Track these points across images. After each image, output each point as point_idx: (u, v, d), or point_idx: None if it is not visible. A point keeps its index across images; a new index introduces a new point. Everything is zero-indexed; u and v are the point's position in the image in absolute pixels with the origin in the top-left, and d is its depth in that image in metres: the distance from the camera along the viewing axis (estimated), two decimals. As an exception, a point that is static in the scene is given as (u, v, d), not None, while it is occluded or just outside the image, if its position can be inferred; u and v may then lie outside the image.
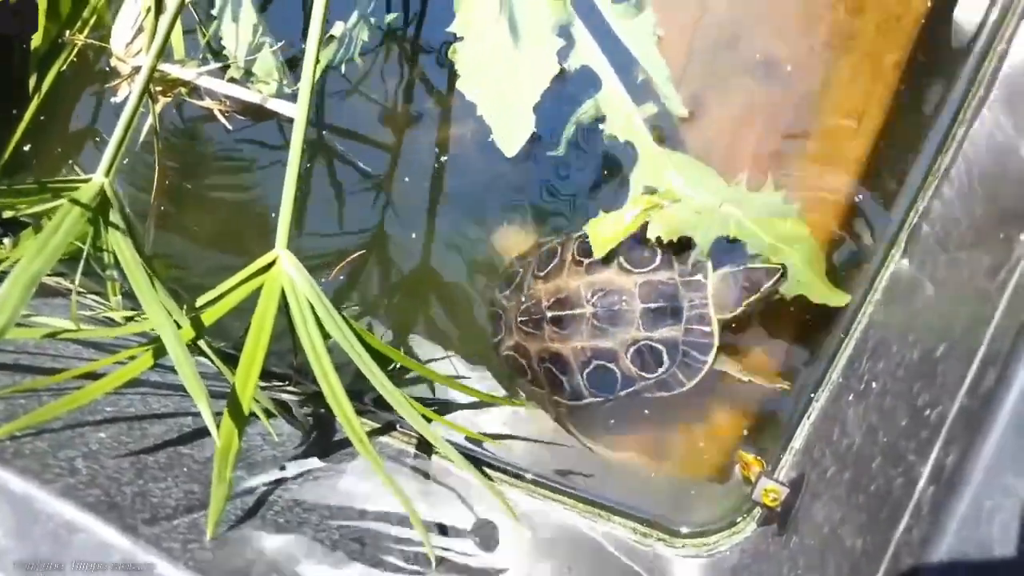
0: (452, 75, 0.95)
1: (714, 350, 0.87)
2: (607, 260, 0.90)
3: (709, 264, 0.88)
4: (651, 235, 0.87)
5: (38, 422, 0.63)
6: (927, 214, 0.79)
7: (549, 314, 0.90)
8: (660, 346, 0.87)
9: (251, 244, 1.07)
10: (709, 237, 0.88)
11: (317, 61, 0.96)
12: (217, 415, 0.65)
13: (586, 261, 0.90)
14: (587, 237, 0.90)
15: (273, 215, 0.96)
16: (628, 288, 0.87)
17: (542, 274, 0.93)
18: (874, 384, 0.67)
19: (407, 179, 1.06)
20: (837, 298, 0.85)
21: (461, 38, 0.93)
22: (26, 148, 1.13)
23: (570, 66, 0.92)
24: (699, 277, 0.87)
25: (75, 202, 0.71)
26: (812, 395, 0.87)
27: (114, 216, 0.75)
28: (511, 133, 0.92)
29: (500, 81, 0.92)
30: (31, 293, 0.60)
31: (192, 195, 1.10)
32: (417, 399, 0.98)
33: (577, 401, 0.93)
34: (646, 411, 0.95)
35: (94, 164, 0.77)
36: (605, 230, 0.89)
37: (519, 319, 0.93)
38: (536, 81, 0.91)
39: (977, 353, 0.47)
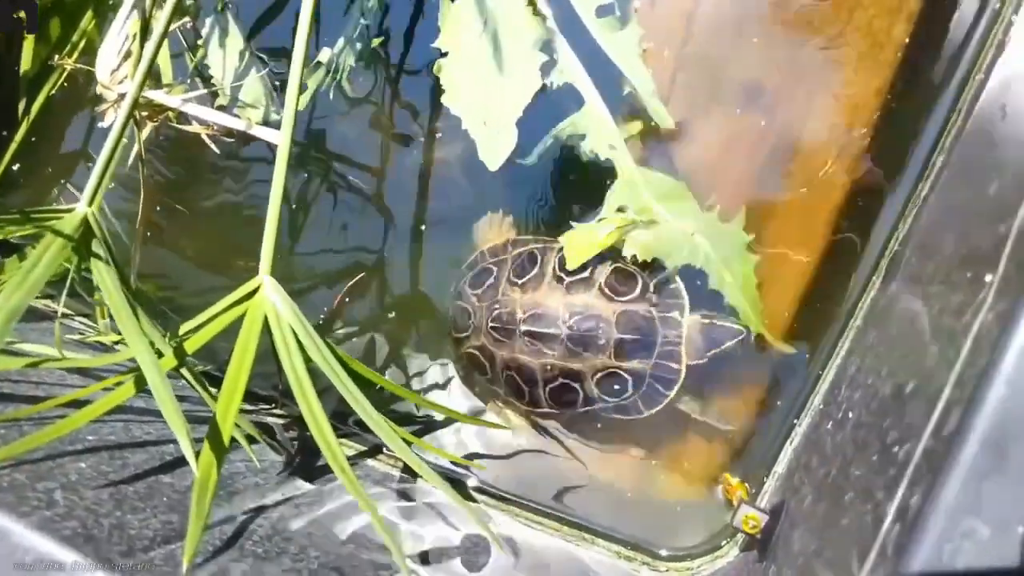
0: (439, 91, 0.95)
1: (677, 386, 0.89)
2: (588, 282, 0.90)
3: (687, 302, 0.90)
4: (627, 253, 0.89)
5: (17, 454, 0.63)
6: (906, 242, 0.79)
7: (523, 327, 0.91)
8: (627, 376, 0.89)
9: (241, 262, 1.08)
10: (678, 263, 0.90)
11: (304, 89, 0.98)
12: (199, 441, 0.65)
13: (567, 280, 0.91)
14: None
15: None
16: (607, 315, 0.88)
17: (520, 282, 0.94)
18: (851, 414, 0.67)
19: (396, 198, 1.06)
20: (785, 348, 0.90)
21: (446, 54, 0.94)
22: (15, 168, 1.13)
23: (553, 83, 0.93)
24: (675, 314, 0.89)
25: (58, 233, 0.71)
26: (795, 420, 0.87)
27: (97, 246, 0.75)
28: (495, 147, 0.92)
29: (484, 96, 0.93)
30: (12, 326, 0.61)
31: (182, 215, 1.11)
32: (403, 416, 0.99)
33: (533, 409, 0.95)
34: (632, 432, 0.95)
35: (84, 183, 0.77)
36: (579, 241, 0.90)
37: (490, 324, 0.94)
38: (519, 96, 0.92)
39: (942, 394, 0.48)
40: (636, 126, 0.94)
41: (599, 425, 0.96)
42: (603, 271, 0.91)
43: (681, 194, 0.91)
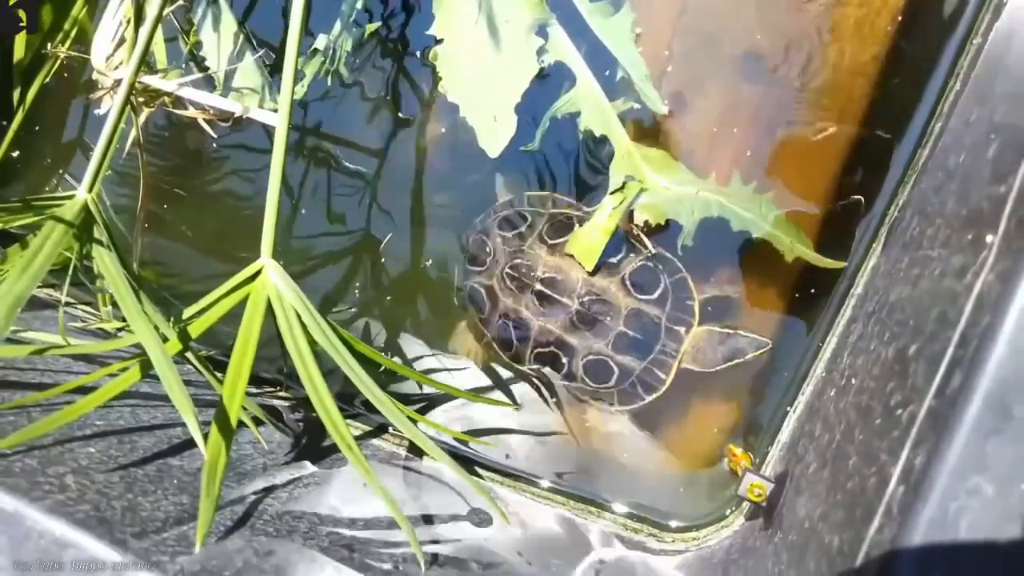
0: (435, 77, 0.95)
1: (657, 394, 0.91)
2: (614, 269, 0.92)
3: (695, 321, 0.91)
4: (638, 220, 0.90)
5: (28, 439, 0.64)
6: (906, 208, 0.80)
7: (538, 287, 0.92)
8: (615, 368, 0.91)
9: (243, 246, 1.08)
10: (695, 218, 0.89)
11: (301, 76, 0.97)
12: (206, 424, 0.66)
13: None
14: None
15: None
16: (619, 307, 0.90)
17: (550, 242, 0.94)
18: (853, 380, 0.68)
19: (396, 182, 1.06)
20: (831, 263, 0.88)
21: (441, 40, 0.94)
22: (15, 154, 1.13)
23: (544, 62, 0.93)
24: (681, 330, 0.90)
25: (59, 219, 0.71)
26: (799, 389, 0.88)
27: (98, 232, 0.75)
28: (494, 134, 0.93)
29: (481, 82, 0.93)
30: (16, 313, 0.61)
31: (182, 200, 1.11)
32: (407, 395, 1.00)
33: (513, 363, 0.97)
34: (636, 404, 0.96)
35: (82, 172, 0.77)
36: (585, 242, 0.91)
37: (507, 269, 0.95)
38: (517, 81, 0.92)
39: (945, 355, 0.48)
40: (626, 103, 0.94)
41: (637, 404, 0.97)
42: (631, 263, 0.92)
43: (675, 165, 0.91)
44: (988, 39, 0.78)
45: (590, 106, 0.93)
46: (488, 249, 0.98)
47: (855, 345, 0.74)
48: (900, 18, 0.88)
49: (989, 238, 0.49)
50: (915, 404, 0.49)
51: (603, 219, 0.91)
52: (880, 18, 0.90)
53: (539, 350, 0.93)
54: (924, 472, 0.45)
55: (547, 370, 0.95)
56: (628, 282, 0.91)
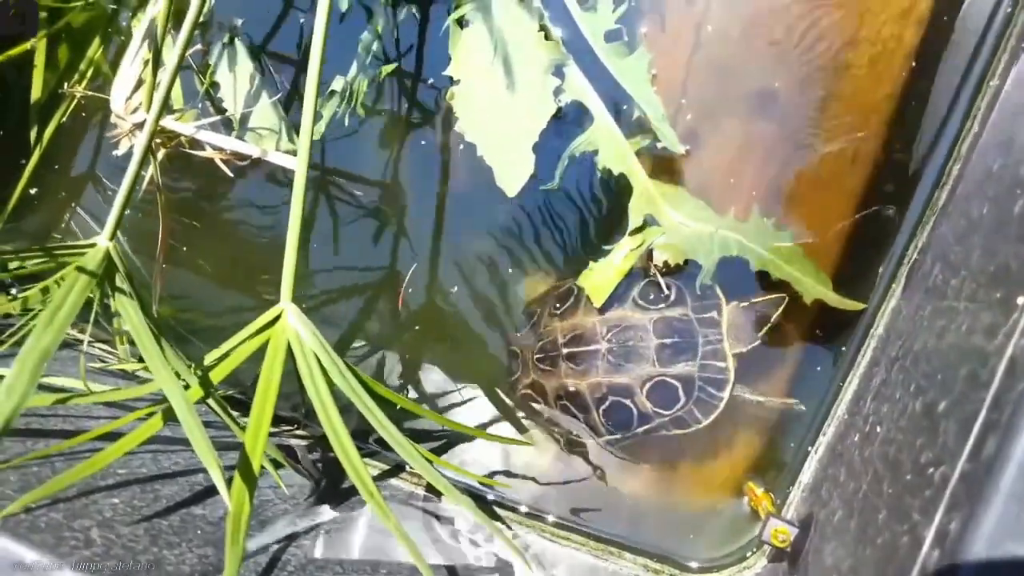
0: (452, 118, 0.95)
1: (730, 386, 0.88)
2: (622, 298, 0.92)
3: (723, 299, 0.90)
4: (658, 260, 0.90)
5: (52, 492, 0.64)
6: (926, 251, 0.80)
7: (565, 351, 0.91)
8: (675, 382, 0.88)
9: (260, 280, 1.09)
10: (713, 258, 0.90)
11: (319, 118, 0.98)
12: (228, 468, 0.66)
13: None
14: None
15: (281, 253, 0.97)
16: (643, 324, 0.89)
17: (558, 312, 0.95)
18: (879, 428, 0.68)
19: (416, 218, 1.06)
20: (851, 304, 0.87)
21: (458, 81, 0.95)
22: (33, 191, 1.14)
23: (561, 101, 0.93)
24: (713, 314, 0.89)
25: (82, 270, 0.72)
26: (819, 430, 0.87)
27: (120, 280, 0.76)
28: (512, 173, 0.93)
29: (498, 122, 0.94)
30: (42, 371, 0.61)
31: (197, 236, 1.11)
32: (425, 433, 1.00)
33: (595, 438, 0.94)
34: (655, 445, 0.95)
35: (95, 205, 0.77)
36: (597, 279, 0.91)
37: (536, 356, 0.95)
38: (534, 121, 0.92)
39: (977, 418, 0.48)
40: (645, 139, 0.94)
41: (656, 446, 0.96)
42: (635, 287, 0.92)
43: (695, 202, 0.92)
44: (1006, 82, 0.78)
45: (608, 145, 0.93)
46: (516, 352, 1.00)
47: (878, 391, 0.74)
48: (914, 58, 0.89)
49: (1020, 300, 0.48)
50: (947, 466, 0.49)
51: (619, 259, 0.91)
52: (894, 57, 0.90)
53: (602, 408, 0.91)
54: (960, 538, 0.45)
55: (623, 436, 0.94)
56: (640, 301, 0.91)
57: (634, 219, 0.92)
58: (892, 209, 0.88)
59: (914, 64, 0.89)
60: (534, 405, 0.97)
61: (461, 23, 0.95)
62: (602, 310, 0.92)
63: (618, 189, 0.96)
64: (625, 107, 0.94)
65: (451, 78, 0.94)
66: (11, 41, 1.05)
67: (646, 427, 0.91)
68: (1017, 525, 0.43)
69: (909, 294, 0.81)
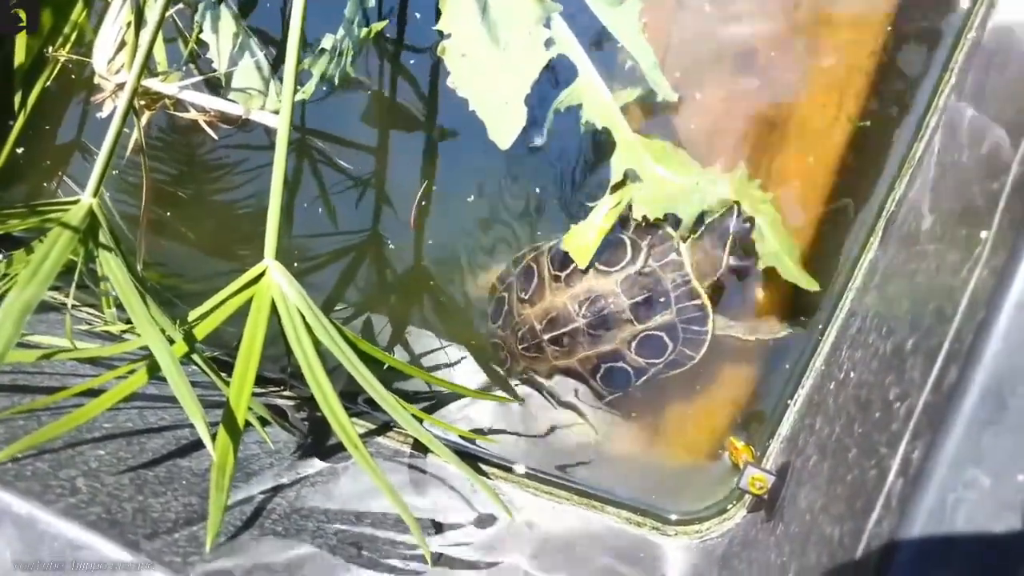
0: (442, 71, 0.95)
1: (711, 319, 0.89)
2: (583, 268, 0.91)
3: (678, 239, 0.90)
4: (637, 215, 0.90)
5: (38, 443, 0.65)
6: (902, 203, 0.80)
7: (545, 336, 0.92)
8: (659, 332, 0.90)
9: (244, 245, 1.09)
10: (692, 211, 0.90)
11: (308, 76, 0.98)
12: (213, 424, 0.67)
13: (563, 274, 0.93)
14: (555, 246, 0.94)
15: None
16: (611, 289, 0.89)
17: (526, 297, 0.95)
18: (852, 374, 0.69)
19: (399, 180, 1.06)
20: (807, 282, 0.87)
21: (448, 35, 0.94)
22: (20, 151, 1.13)
23: (553, 53, 0.93)
24: (673, 256, 0.90)
25: (65, 225, 0.72)
26: (798, 383, 0.89)
27: (104, 236, 0.76)
28: (504, 126, 0.93)
29: (489, 75, 0.93)
30: (25, 321, 0.62)
31: (182, 200, 1.12)
32: (413, 393, 1.01)
33: (598, 402, 0.96)
34: (638, 399, 0.96)
35: (83, 173, 0.78)
36: (580, 240, 0.91)
37: (520, 347, 0.96)
38: (526, 73, 0.92)
39: (941, 349, 0.49)
40: (631, 93, 0.94)
41: (639, 400, 0.97)
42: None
43: (679, 154, 0.92)
44: (983, 34, 0.79)
45: (591, 99, 0.93)
46: (499, 345, 1.01)
47: (854, 338, 0.75)
48: (897, 12, 0.89)
49: (983, 234, 0.49)
50: (912, 398, 0.50)
51: (599, 219, 0.91)
52: (876, 12, 0.90)
53: (598, 376, 0.93)
54: (922, 465, 0.46)
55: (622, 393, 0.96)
56: (601, 267, 0.91)
57: (616, 174, 0.92)
58: (871, 164, 0.89)
59: (896, 20, 0.89)
60: (534, 385, 1.00)
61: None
62: (567, 284, 0.92)
63: (600, 149, 0.96)
64: (614, 61, 0.94)
65: (441, 32, 0.94)
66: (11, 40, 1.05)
67: (644, 378, 0.93)
68: (977, 449, 0.44)
69: (885, 245, 0.82)
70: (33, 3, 1.04)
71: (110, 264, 0.75)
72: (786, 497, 0.73)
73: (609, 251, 0.91)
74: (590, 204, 0.94)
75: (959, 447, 0.45)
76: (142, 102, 0.99)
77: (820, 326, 0.89)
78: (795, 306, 0.92)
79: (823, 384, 0.80)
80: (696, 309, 0.89)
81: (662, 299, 0.89)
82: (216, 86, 1.05)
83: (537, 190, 1.01)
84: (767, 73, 0.94)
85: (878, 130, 0.89)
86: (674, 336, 0.90)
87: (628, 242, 0.91)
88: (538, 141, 0.97)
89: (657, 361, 0.91)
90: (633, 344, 0.90)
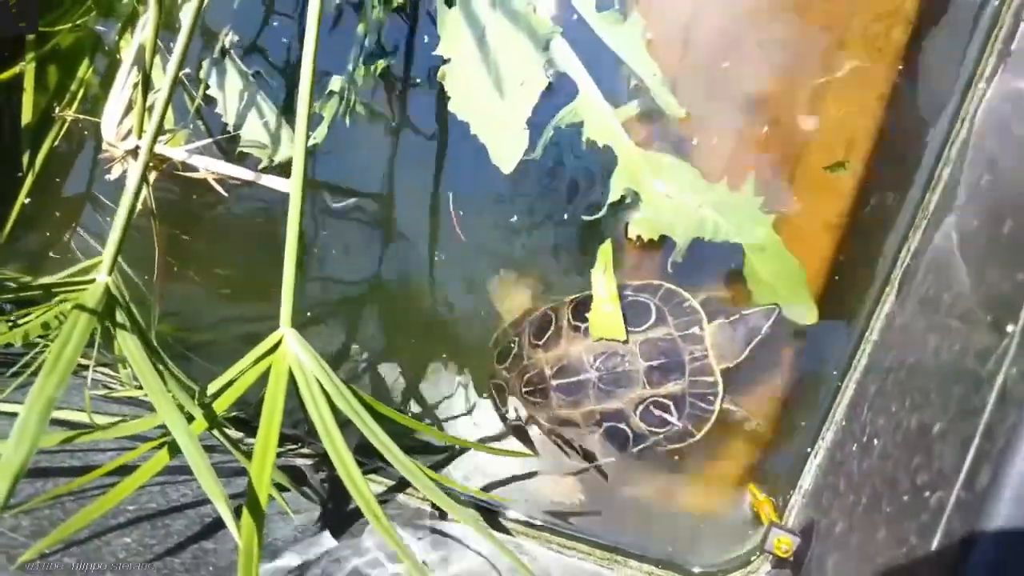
0: (445, 100, 0.95)
1: (719, 399, 0.89)
2: (624, 340, 0.91)
3: (703, 315, 0.90)
4: (632, 235, 0.91)
5: (66, 537, 0.64)
6: (919, 257, 0.80)
7: (554, 383, 0.92)
8: (667, 400, 0.89)
9: (258, 292, 1.09)
10: (687, 236, 0.90)
11: (319, 120, 0.98)
12: (235, 497, 0.66)
13: (583, 326, 0.92)
14: (578, 300, 0.94)
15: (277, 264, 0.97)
16: (629, 348, 0.89)
17: (540, 343, 0.95)
18: (876, 441, 0.68)
19: (411, 221, 1.06)
20: (807, 313, 0.88)
21: (448, 60, 0.94)
22: (28, 203, 1.13)
23: (551, 76, 0.93)
24: (695, 330, 0.90)
25: (83, 308, 0.72)
26: (817, 434, 0.88)
27: (120, 315, 0.76)
28: (506, 150, 0.93)
29: (490, 99, 0.94)
30: (48, 418, 0.62)
31: (191, 250, 1.11)
32: (429, 444, 1.00)
33: (589, 462, 0.96)
34: (656, 455, 0.96)
35: (95, 225, 0.76)
36: (604, 320, 0.91)
37: (524, 389, 0.95)
38: (526, 96, 0.92)
39: (971, 445, 0.49)
40: (632, 109, 0.94)
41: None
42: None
43: (686, 169, 0.92)
44: (991, 85, 0.79)
45: (593, 116, 0.93)
46: (503, 387, 1.00)
47: (874, 401, 0.74)
48: (903, 60, 0.89)
49: (1010, 327, 0.49)
50: (943, 491, 0.50)
51: (604, 291, 0.91)
52: (884, 59, 0.90)
53: (601, 433, 0.93)
54: (959, 567, 0.46)
55: (616, 457, 0.96)
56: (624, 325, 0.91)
57: (615, 191, 0.91)
58: (891, 197, 0.88)
59: (903, 68, 0.89)
60: (528, 436, 0.99)
61: (448, 1, 0.95)
62: (586, 335, 0.91)
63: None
64: (618, 79, 0.94)
65: (442, 58, 0.94)
66: (11, 41, 1.04)
67: (641, 447, 0.92)
68: (1011, 554, 0.44)
69: (902, 301, 0.81)
70: (32, 4, 1.03)
71: (127, 343, 0.75)
72: (813, 560, 0.73)
73: (633, 312, 0.91)
74: (586, 218, 0.94)
75: (995, 550, 0.44)
76: (150, 164, 0.99)
77: (839, 377, 0.89)
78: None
79: (844, 442, 0.80)
80: (708, 386, 0.90)
81: (677, 368, 0.89)
82: (225, 140, 1.05)
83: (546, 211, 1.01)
84: (776, 116, 0.93)
85: (890, 174, 0.88)
86: (680, 408, 0.90)
87: (654, 308, 0.91)
88: (535, 155, 0.96)
89: (659, 431, 0.91)
90: (639, 408, 0.90)
